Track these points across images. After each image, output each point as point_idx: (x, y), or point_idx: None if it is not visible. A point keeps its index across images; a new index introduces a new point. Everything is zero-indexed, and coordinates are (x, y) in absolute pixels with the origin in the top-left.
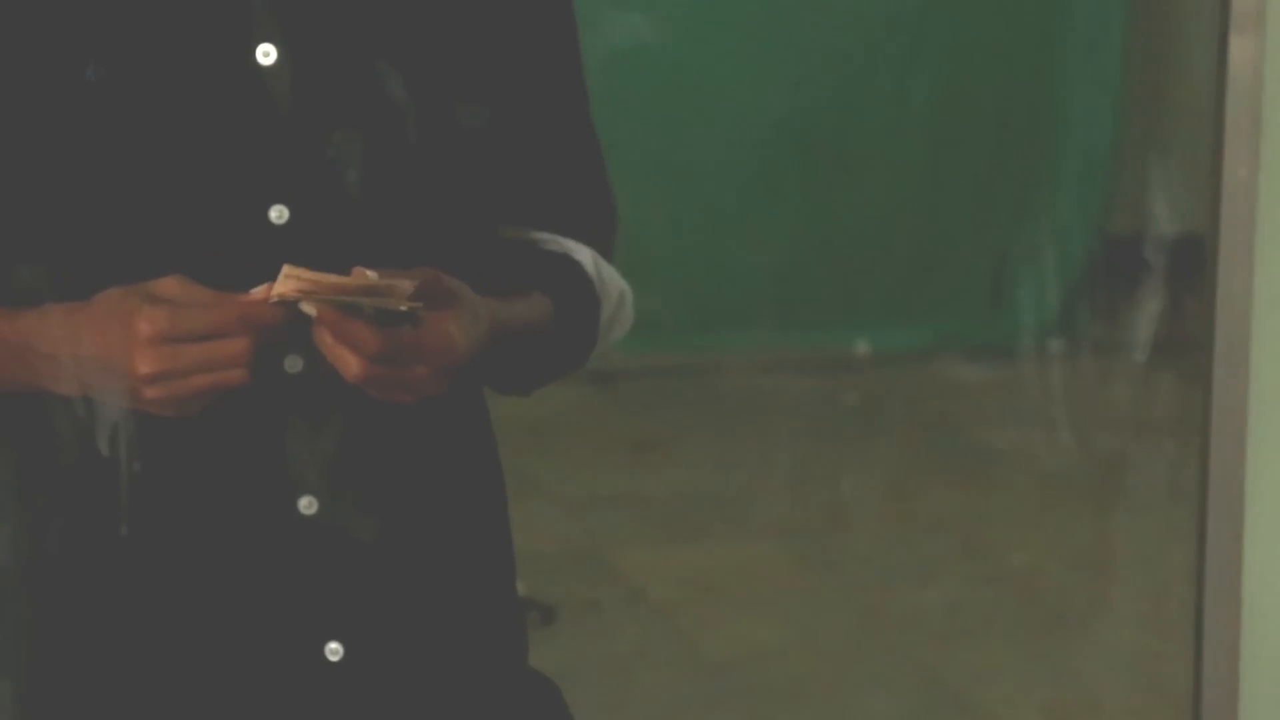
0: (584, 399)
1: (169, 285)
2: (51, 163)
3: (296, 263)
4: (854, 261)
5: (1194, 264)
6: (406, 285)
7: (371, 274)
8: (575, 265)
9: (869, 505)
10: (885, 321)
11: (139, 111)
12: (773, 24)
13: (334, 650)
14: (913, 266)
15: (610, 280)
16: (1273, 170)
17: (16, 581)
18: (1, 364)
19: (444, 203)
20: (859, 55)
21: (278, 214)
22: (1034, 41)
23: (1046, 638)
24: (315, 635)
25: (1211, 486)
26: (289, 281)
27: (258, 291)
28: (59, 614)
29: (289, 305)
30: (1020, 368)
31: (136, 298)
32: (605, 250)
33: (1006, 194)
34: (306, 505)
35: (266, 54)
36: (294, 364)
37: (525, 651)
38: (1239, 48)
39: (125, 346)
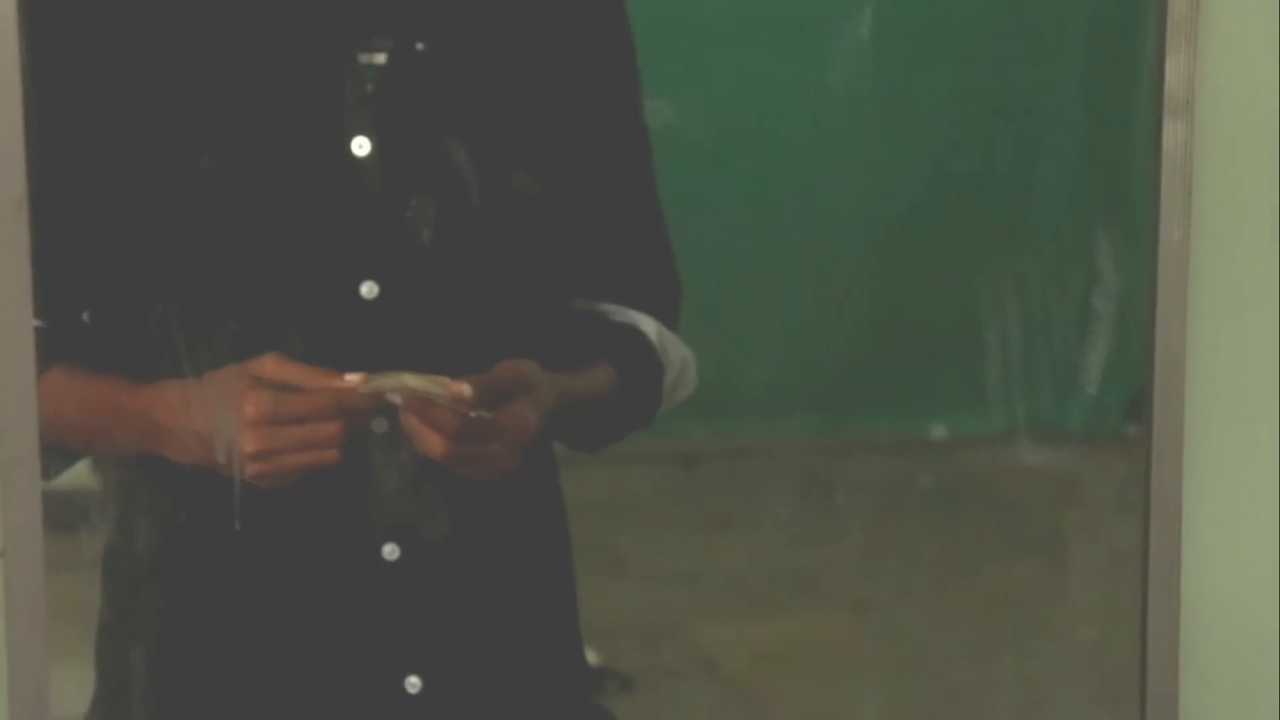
0: (666, 479)
1: (267, 364)
2: (167, 242)
3: (385, 334)
4: (929, 346)
5: None
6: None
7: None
8: (640, 335)
9: (941, 581)
10: (960, 406)
11: (245, 197)
12: (845, 111)
13: (413, 683)
14: (988, 350)
15: (673, 348)
16: (1201, 233)
17: (147, 578)
18: (123, 432)
19: (520, 276)
20: (935, 144)
21: (368, 289)
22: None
23: (1114, 712)
24: (396, 669)
25: (1153, 506)
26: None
27: (351, 379)
28: (181, 610)
29: (377, 394)
30: (1097, 452)
31: (243, 380)
32: (670, 318)
33: (1085, 276)
34: (390, 552)
35: (361, 146)
36: (380, 425)
37: (588, 686)
38: (1171, 130)
39: (233, 426)
